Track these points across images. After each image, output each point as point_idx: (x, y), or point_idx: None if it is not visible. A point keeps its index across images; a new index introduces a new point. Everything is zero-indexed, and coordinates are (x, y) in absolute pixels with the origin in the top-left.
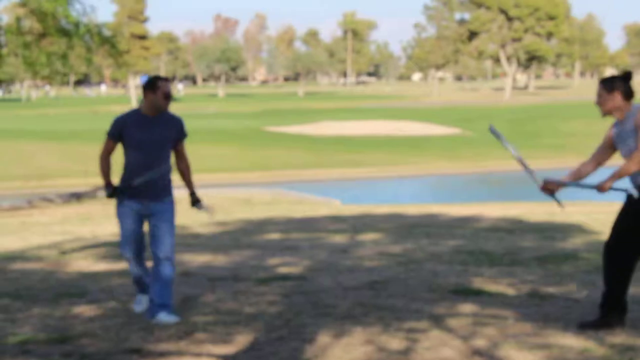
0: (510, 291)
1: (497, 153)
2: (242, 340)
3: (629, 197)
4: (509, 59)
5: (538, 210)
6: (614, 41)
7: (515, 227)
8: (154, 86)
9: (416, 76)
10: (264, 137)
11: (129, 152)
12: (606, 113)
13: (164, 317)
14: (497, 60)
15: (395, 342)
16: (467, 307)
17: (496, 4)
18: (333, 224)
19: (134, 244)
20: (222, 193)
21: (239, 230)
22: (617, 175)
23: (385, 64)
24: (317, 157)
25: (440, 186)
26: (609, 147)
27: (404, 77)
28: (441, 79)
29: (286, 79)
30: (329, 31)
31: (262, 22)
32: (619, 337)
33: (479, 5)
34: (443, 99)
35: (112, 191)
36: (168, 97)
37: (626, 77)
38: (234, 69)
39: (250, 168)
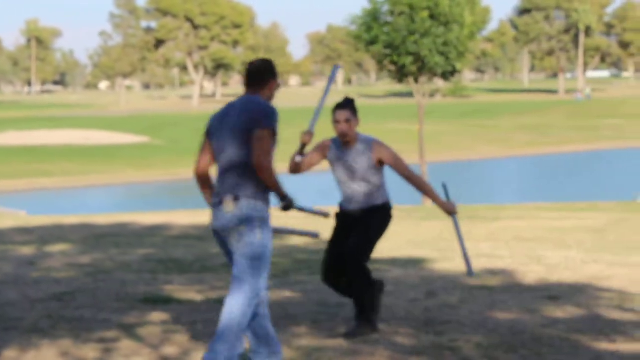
0: (200, 298)
1: (186, 161)
2: None
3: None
4: (196, 67)
5: None
6: (298, 50)
7: (206, 234)
8: None
9: (103, 85)
10: None
11: None
12: (349, 139)
13: None
14: (184, 68)
15: (85, 353)
16: (157, 316)
17: (182, 12)
18: (19, 235)
19: None
20: None
21: None
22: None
23: (72, 72)
24: (2, 168)
25: (130, 195)
26: (319, 157)
27: (91, 86)
28: (129, 88)
29: None
30: (13, 39)
31: None
32: (304, 340)
33: (165, 14)
34: (131, 107)
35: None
36: None
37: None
38: None
39: None
